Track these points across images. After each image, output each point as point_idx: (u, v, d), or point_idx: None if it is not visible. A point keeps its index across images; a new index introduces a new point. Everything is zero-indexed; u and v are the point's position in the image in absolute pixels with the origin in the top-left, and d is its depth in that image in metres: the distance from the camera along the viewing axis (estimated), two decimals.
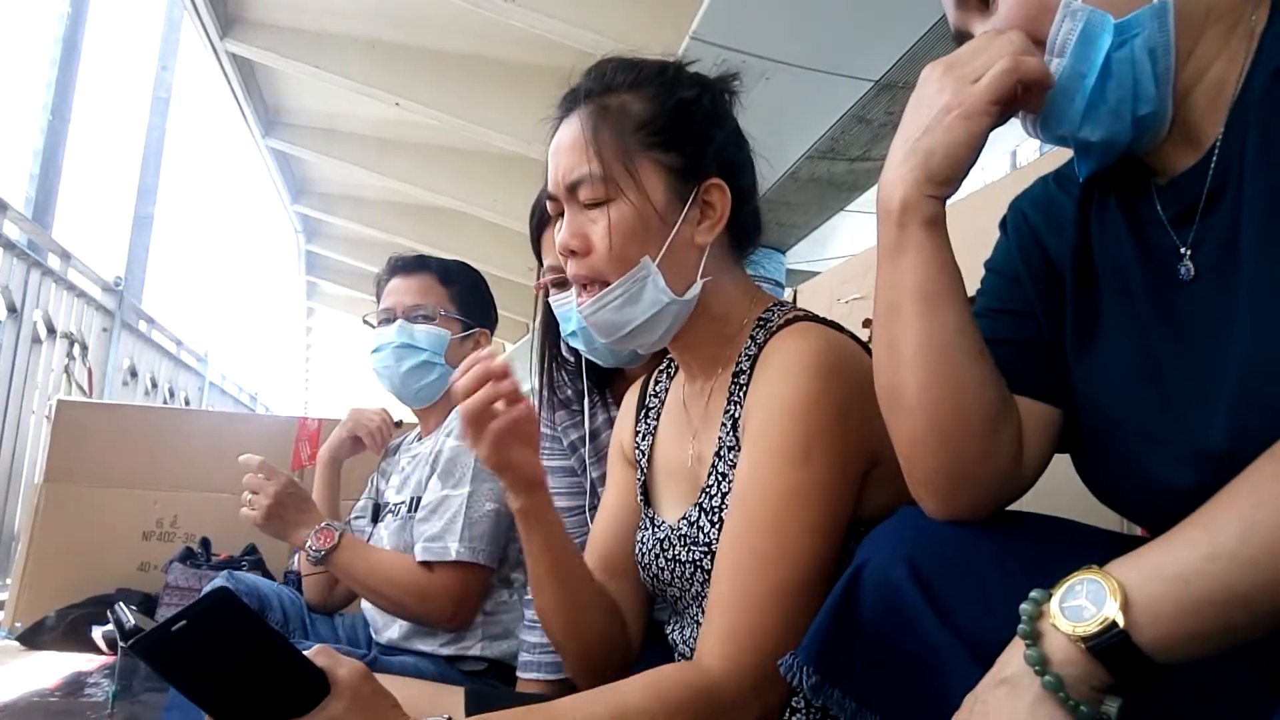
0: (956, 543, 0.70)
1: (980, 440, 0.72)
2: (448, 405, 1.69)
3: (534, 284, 1.37)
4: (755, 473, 0.88)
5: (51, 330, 4.08)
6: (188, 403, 6.52)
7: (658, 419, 1.12)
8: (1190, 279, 0.68)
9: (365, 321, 1.78)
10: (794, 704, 0.82)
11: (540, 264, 1.35)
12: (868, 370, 0.78)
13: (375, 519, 1.76)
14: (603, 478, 1.33)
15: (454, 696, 1.02)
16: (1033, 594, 0.58)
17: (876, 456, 0.89)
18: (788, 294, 2.46)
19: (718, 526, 0.93)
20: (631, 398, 1.18)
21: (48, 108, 5.40)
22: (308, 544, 1.50)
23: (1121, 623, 0.53)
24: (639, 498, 1.10)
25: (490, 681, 1.53)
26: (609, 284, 0.94)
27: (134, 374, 5.34)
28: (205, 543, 2.81)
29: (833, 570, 0.84)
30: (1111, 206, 0.76)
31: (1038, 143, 0.78)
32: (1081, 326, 0.77)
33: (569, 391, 1.42)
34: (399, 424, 1.88)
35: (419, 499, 1.60)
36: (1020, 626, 0.57)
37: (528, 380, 1.41)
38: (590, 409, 1.40)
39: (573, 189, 0.95)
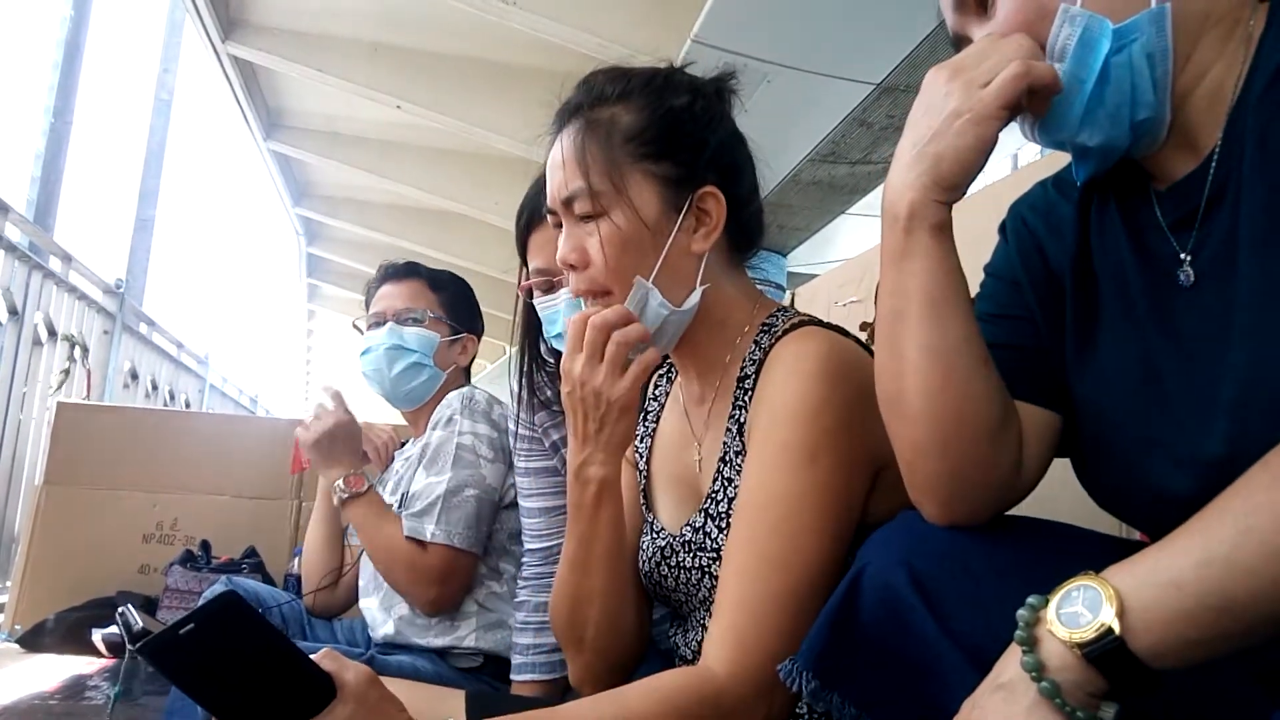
0: (956, 547, 0.70)
1: (982, 447, 0.71)
2: (435, 407, 1.71)
3: (518, 285, 1.37)
4: (761, 476, 0.87)
5: (52, 332, 4.08)
6: (188, 405, 6.51)
7: (656, 422, 1.12)
8: (1190, 285, 0.68)
9: (355, 327, 1.80)
10: (799, 709, 0.82)
11: (524, 265, 1.35)
12: (873, 375, 0.78)
13: None
14: None
15: (454, 700, 1.01)
16: (1030, 600, 0.58)
17: (883, 460, 0.88)
18: (785, 297, 2.46)
19: (725, 531, 0.93)
20: None
21: (49, 110, 5.41)
22: (337, 482, 1.58)
23: (1117, 629, 0.53)
24: (640, 502, 1.10)
25: (488, 680, 1.54)
26: (610, 294, 0.94)
27: (135, 376, 5.33)
28: (205, 545, 2.81)
29: (840, 574, 0.84)
30: (1111, 211, 0.76)
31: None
32: (1081, 331, 0.77)
33: (549, 392, 1.42)
34: (405, 444, 1.89)
35: (408, 494, 1.61)
36: (1017, 632, 0.57)
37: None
38: None
39: (568, 204, 0.95)
